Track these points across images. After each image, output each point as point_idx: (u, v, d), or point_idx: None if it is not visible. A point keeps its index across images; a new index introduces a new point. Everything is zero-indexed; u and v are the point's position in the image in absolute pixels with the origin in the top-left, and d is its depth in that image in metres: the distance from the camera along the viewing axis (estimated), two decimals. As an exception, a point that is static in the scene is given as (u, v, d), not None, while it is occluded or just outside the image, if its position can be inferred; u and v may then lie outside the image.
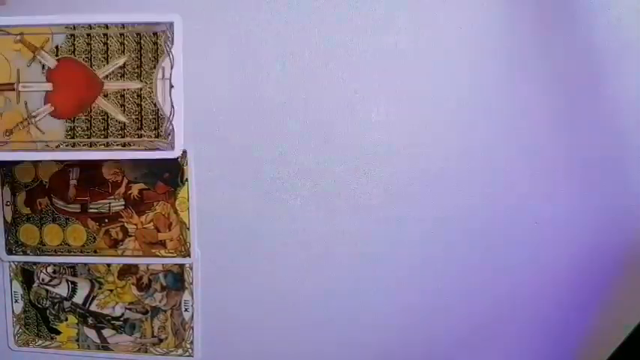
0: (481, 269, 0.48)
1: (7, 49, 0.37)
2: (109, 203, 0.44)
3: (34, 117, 0.38)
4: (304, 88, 0.43)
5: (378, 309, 0.49)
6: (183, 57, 0.40)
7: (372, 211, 0.46)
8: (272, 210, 0.45)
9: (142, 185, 0.44)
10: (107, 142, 0.39)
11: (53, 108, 0.38)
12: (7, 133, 0.38)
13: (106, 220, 0.45)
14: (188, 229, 0.45)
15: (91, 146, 0.39)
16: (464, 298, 0.49)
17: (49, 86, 0.38)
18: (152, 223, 0.45)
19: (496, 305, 0.49)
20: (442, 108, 0.44)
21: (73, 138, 0.39)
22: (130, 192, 0.44)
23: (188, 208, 0.44)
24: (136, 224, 0.45)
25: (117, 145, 0.39)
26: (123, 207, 0.44)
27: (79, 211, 0.44)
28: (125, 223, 0.45)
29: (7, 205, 0.44)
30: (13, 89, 0.38)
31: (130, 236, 0.45)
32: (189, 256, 0.45)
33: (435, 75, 0.44)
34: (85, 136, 0.39)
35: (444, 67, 0.44)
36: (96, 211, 0.44)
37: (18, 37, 0.37)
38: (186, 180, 0.44)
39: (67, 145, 0.39)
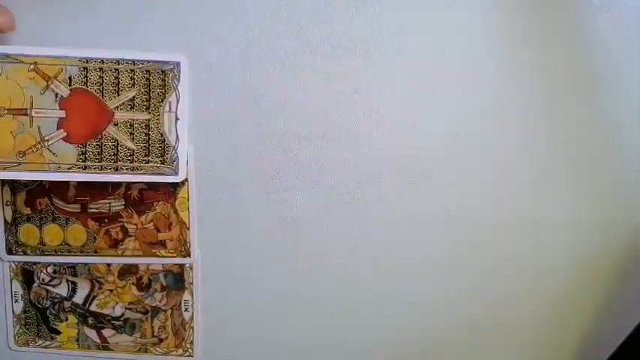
0: (480, 269, 0.48)
1: (21, 77, 0.39)
2: (109, 203, 0.44)
3: (47, 141, 0.40)
4: (304, 88, 0.43)
5: (378, 309, 0.49)
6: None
7: (372, 210, 0.46)
8: (272, 210, 0.45)
9: (142, 185, 0.44)
10: (117, 167, 0.41)
11: (66, 134, 0.40)
12: (21, 155, 0.40)
13: (106, 220, 0.45)
14: (188, 229, 0.45)
15: (101, 169, 0.41)
16: (463, 298, 0.49)
17: (61, 113, 0.40)
18: (152, 223, 0.45)
19: (495, 305, 0.49)
20: (442, 108, 0.44)
21: (84, 161, 0.41)
22: (130, 192, 0.44)
23: (188, 208, 0.44)
24: (136, 224, 0.45)
25: (126, 169, 0.41)
26: (123, 207, 0.44)
27: (79, 211, 0.44)
28: (125, 223, 0.45)
29: (7, 205, 0.44)
30: (26, 114, 0.40)
31: (130, 236, 0.45)
32: (189, 256, 0.45)
33: (435, 75, 0.44)
34: (96, 160, 0.41)
35: (444, 67, 0.44)
36: (96, 211, 0.44)
37: (32, 67, 0.39)
38: (186, 180, 0.44)
39: (78, 168, 0.41)
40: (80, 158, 0.41)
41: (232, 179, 0.45)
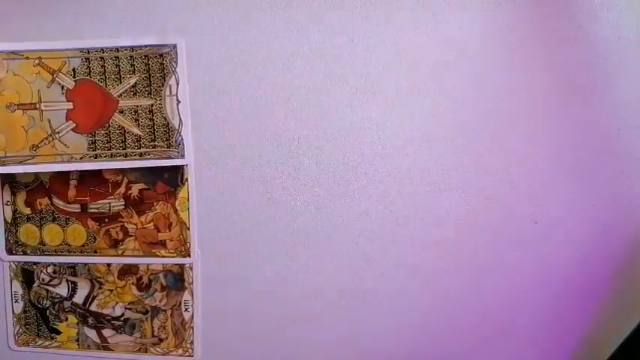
0: (480, 269, 0.48)
1: (27, 72, 0.40)
2: (109, 203, 0.44)
3: (58, 133, 0.41)
4: (304, 88, 0.43)
5: (378, 309, 0.49)
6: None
7: (372, 210, 0.46)
8: (272, 210, 0.45)
9: (142, 185, 0.44)
10: (126, 154, 0.42)
11: (75, 124, 0.41)
12: (34, 148, 0.41)
13: (106, 220, 0.45)
14: (188, 229, 0.45)
15: (111, 157, 0.42)
16: (463, 298, 0.49)
17: (69, 105, 0.41)
18: (152, 223, 0.45)
19: (496, 305, 0.49)
20: (441, 108, 0.44)
21: (95, 150, 0.42)
22: (130, 192, 0.44)
23: (188, 208, 0.44)
24: (136, 224, 0.45)
25: (134, 155, 0.42)
26: (123, 207, 0.44)
27: (79, 211, 0.44)
28: (125, 223, 0.45)
29: (7, 205, 0.44)
30: (36, 108, 0.41)
31: (130, 236, 0.45)
32: (189, 256, 0.45)
33: (434, 75, 0.44)
34: (106, 148, 0.42)
35: (444, 67, 0.44)
36: (96, 211, 0.44)
37: (37, 62, 0.40)
38: (186, 180, 0.44)
39: (90, 157, 0.42)
40: (91, 147, 0.42)
41: (232, 179, 0.45)
